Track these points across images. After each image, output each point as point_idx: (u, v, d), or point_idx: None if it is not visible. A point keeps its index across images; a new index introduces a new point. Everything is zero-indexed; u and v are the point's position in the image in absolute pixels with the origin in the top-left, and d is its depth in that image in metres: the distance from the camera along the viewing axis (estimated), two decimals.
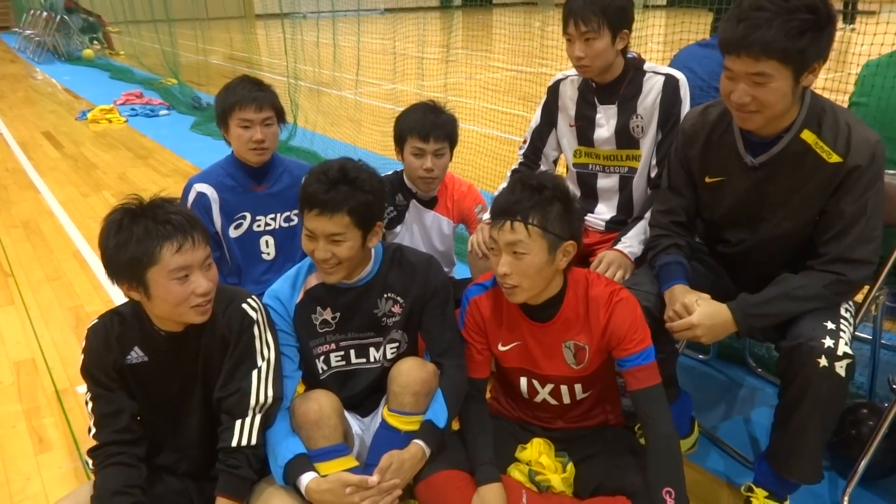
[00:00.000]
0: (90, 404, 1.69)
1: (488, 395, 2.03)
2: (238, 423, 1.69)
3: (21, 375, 2.81)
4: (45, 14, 13.68)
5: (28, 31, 14.50)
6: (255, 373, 1.72)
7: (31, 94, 9.89)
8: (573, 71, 2.35)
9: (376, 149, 5.41)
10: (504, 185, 1.77)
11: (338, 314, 1.90)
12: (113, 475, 1.63)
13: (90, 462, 1.68)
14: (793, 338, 1.71)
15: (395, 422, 1.77)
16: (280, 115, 2.44)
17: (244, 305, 1.74)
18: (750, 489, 1.92)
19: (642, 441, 1.91)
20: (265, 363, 1.74)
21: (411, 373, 1.79)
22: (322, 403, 1.75)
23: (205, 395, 1.75)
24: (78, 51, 13.55)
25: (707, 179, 1.94)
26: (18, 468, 2.26)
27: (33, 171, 5.90)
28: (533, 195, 1.66)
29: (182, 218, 1.59)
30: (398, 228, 2.55)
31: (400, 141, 2.43)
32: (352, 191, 1.72)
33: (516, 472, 1.84)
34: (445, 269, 2.69)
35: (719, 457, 2.22)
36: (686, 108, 2.21)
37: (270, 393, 1.73)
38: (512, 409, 2.00)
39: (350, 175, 1.73)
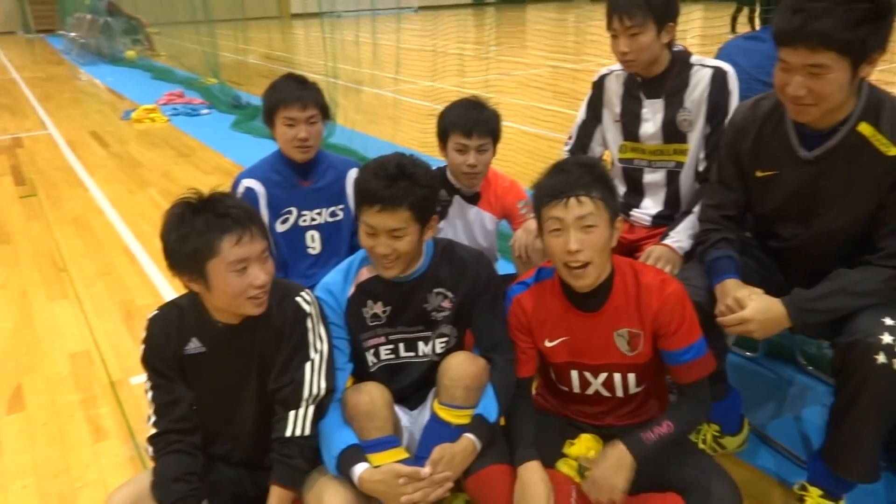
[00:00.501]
0: (150, 393, 1.74)
1: (534, 392, 2.03)
2: (292, 413, 1.72)
3: (77, 366, 2.90)
4: (88, 16, 14.01)
5: (72, 34, 14.86)
6: (308, 365, 1.75)
7: (77, 95, 10.15)
8: (618, 65, 2.33)
9: (415, 146, 5.42)
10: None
11: (388, 308, 1.92)
12: (172, 462, 1.68)
13: (150, 449, 1.73)
14: (849, 334, 1.68)
15: (446, 415, 1.78)
16: (324, 113, 2.46)
17: (298, 298, 1.77)
18: (804, 488, 1.89)
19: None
20: (318, 355, 1.77)
21: (462, 367, 1.80)
22: (374, 395, 1.77)
23: (259, 385, 1.79)
24: (121, 52, 13.83)
25: (758, 173, 1.92)
26: (78, 456, 2.34)
27: (82, 170, 6.06)
28: (591, 171, 1.70)
29: (241, 211, 1.63)
30: (441, 224, 2.55)
31: (443, 137, 2.43)
32: (411, 186, 1.74)
33: (565, 467, 1.84)
34: None
35: (770, 455, 2.20)
36: (735, 100, 2.18)
37: (323, 384, 1.76)
38: (559, 406, 2.00)
39: (408, 170, 1.75)
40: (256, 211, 1.74)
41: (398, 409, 1.94)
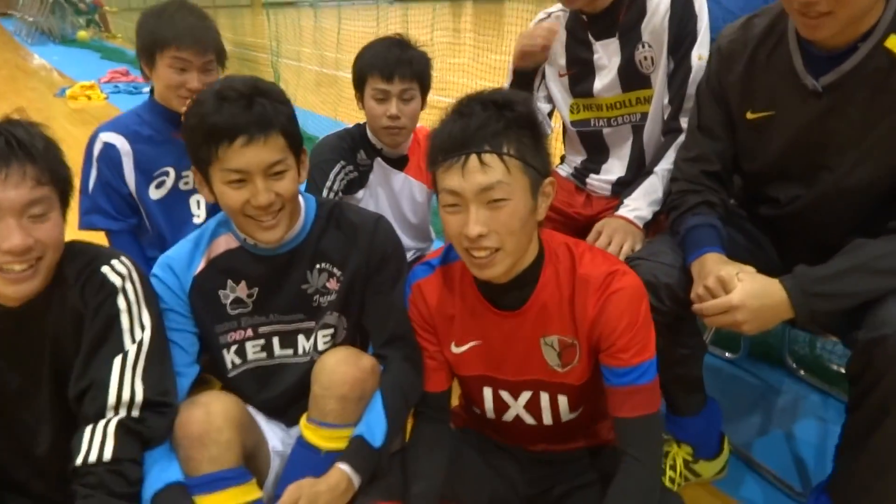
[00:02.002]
0: None
1: (454, 403, 1.53)
2: (88, 430, 1.21)
3: None
4: None
5: (23, 14, 14.29)
6: (118, 360, 1.24)
7: (15, 73, 9.59)
8: (557, 6, 1.88)
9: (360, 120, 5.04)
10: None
11: (255, 290, 1.44)
12: None
13: None
14: (874, 327, 1.23)
15: (315, 437, 1.30)
16: (221, 59, 1.98)
17: (105, 268, 1.27)
18: None
19: None
20: (136, 347, 1.26)
21: (338, 369, 1.31)
22: (211, 410, 1.26)
23: (57, 392, 1.28)
24: (72, 33, 13.34)
25: (749, 115, 1.47)
26: None
27: None
28: (501, 114, 1.17)
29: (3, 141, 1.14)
30: (360, 193, 2.08)
31: (359, 83, 1.96)
32: (274, 104, 1.32)
33: None
34: (421, 246, 2.23)
35: (755, 484, 1.75)
36: (703, 25, 1.73)
37: (140, 389, 1.24)
38: (481, 425, 1.51)
39: (262, 86, 1.34)
40: (47, 152, 1.23)
41: (269, 428, 1.46)
